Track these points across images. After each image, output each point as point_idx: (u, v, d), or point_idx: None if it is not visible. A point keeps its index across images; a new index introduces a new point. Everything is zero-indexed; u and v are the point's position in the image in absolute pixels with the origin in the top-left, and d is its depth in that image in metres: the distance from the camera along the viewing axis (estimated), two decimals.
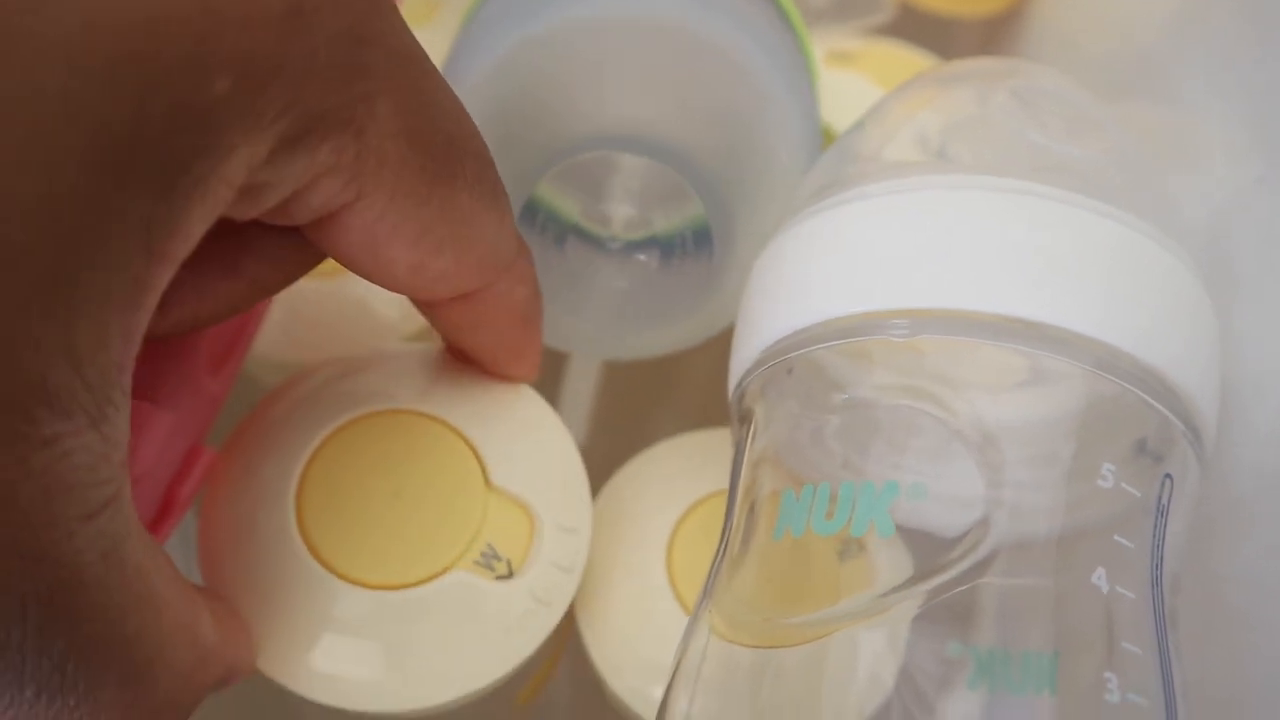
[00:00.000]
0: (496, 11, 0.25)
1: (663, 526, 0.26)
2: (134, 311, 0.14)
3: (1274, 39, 0.24)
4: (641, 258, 0.23)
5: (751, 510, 0.19)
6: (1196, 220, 0.24)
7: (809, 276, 0.19)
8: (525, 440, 0.24)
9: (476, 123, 0.21)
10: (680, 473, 0.27)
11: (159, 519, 0.22)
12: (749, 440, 0.20)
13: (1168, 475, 0.18)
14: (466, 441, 0.23)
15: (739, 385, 0.21)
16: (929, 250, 0.18)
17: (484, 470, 0.23)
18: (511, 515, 0.23)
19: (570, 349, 0.29)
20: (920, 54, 0.36)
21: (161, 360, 0.21)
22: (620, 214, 0.23)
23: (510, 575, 0.22)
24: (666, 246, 0.23)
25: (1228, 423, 0.20)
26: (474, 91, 0.23)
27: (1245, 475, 0.21)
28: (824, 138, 0.32)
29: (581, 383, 0.32)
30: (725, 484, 0.25)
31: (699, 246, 0.23)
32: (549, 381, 0.29)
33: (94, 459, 0.14)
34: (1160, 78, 0.31)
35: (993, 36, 0.40)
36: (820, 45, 0.35)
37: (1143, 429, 0.18)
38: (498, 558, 0.22)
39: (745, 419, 0.21)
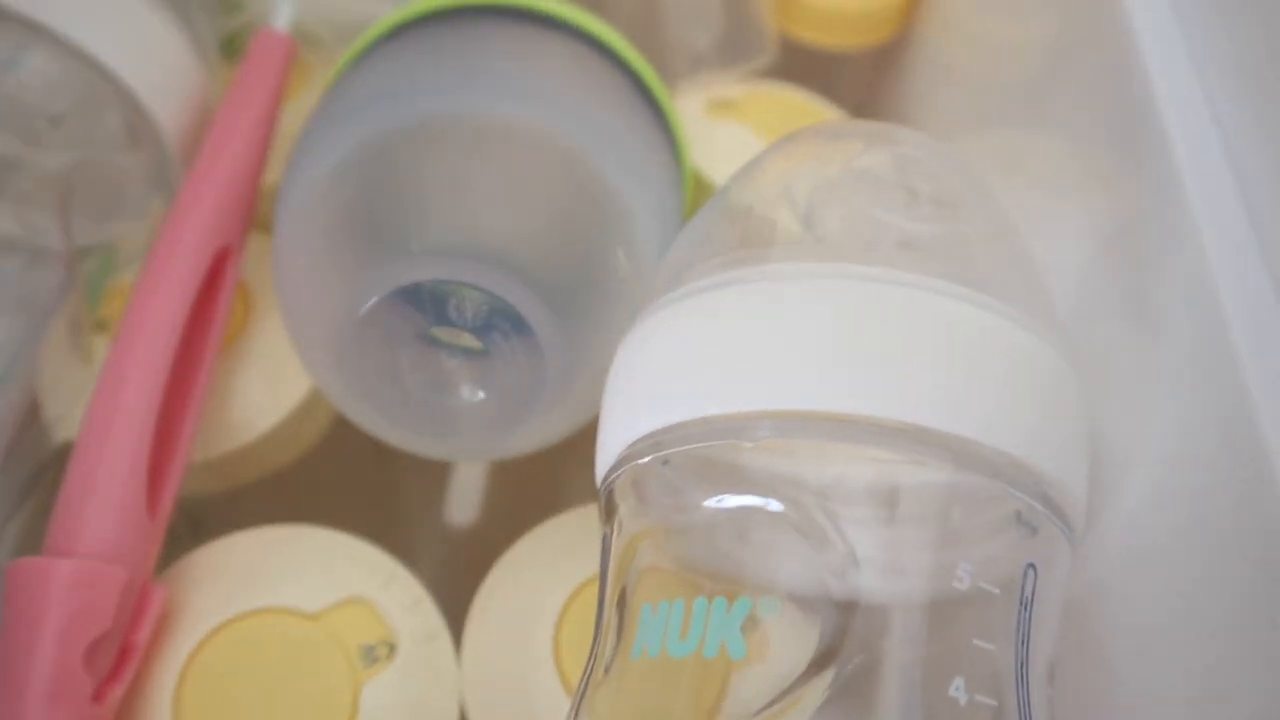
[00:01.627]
0: (344, 105, 0.24)
1: (551, 607, 0.25)
2: None
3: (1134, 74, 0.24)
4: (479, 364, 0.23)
5: (618, 618, 0.19)
6: (1067, 283, 0.24)
7: (661, 375, 0.19)
8: None
9: (316, 227, 0.20)
10: (569, 551, 0.26)
11: (115, 669, 0.22)
12: (614, 538, 0.20)
13: (1030, 565, 0.17)
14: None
15: (602, 483, 0.20)
16: (776, 347, 0.18)
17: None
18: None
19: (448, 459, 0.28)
20: (804, 95, 0.36)
21: (112, 516, 0.22)
22: (461, 325, 0.22)
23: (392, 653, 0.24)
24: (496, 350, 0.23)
25: (1096, 505, 0.20)
26: (314, 194, 0.23)
27: (1114, 554, 0.21)
28: (703, 191, 0.32)
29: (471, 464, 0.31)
30: None
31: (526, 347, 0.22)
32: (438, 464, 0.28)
33: None
34: (1038, 106, 0.31)
35: (877, 68, 0.40)
36: (701, 94, 0.34)
37: (1003, 516, 0.18)
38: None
39: (609, 517, 0.20)
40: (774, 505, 0.17)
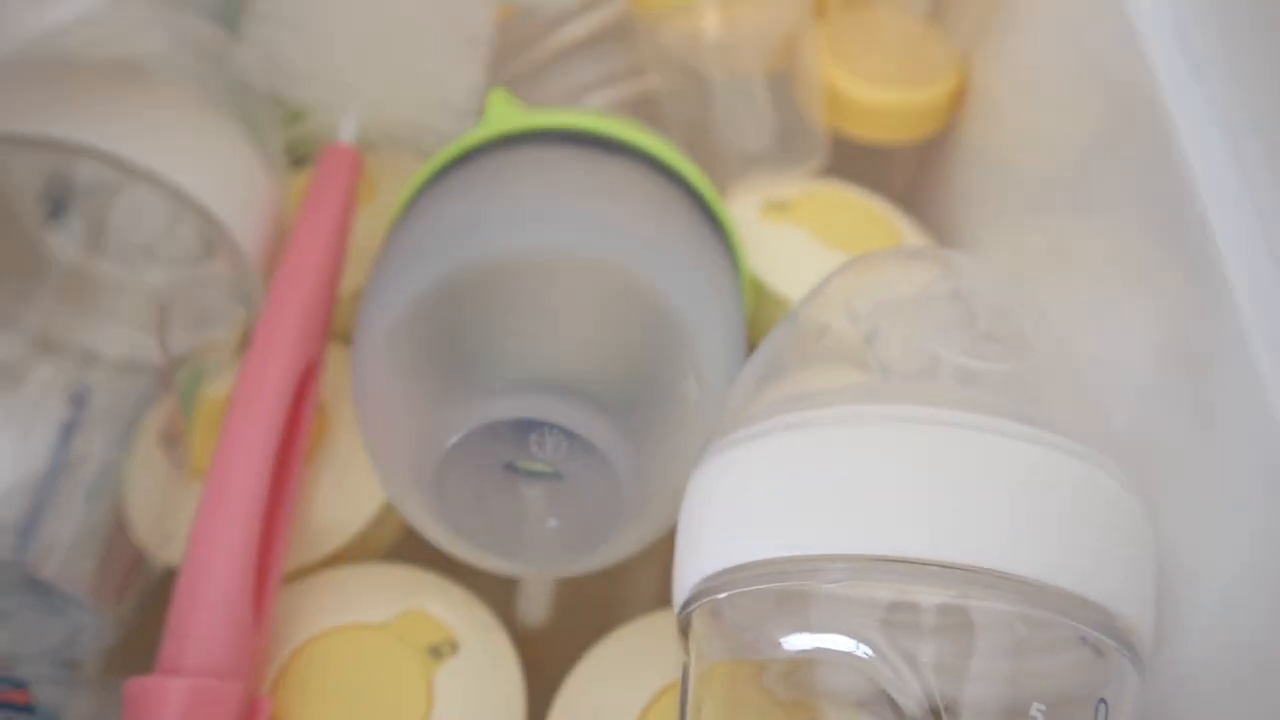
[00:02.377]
0: (417, 241, 0.25)
1: (630, 714, 0.26)
2: None
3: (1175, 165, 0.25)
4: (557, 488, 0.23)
5: None
6: (1124, 383, 0.25)
7: (737, 513, 0.20)
8: None
9: (396, 364, 0.21)
10: (644, 658, 0.27)
11: None
12: (692, 665, 0.20)
13: (1102, 701, 0.18)
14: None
15: (680, 612, 0.21)
16: (848, 490, 0.18)
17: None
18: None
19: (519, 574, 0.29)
20: (856, 193, 0.36)
21: (223, 633, 0.24)
22: (540, 458, 0.23)
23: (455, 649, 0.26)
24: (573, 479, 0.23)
25: (1168, 617, 0.20)
26: (393, 332, 0.24)
27: (1188, 667, 0.21)
28: (762, 296, 0.32)
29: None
30: None
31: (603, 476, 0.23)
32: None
33: None
34: (1084, 197, 0.32)
35: (923, 160, 0.41)
36: (755, 195, 0.35)
37: (1069, 639, 0.18)
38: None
39: (689, 643, 0.21)
40: (852, 647, 0.18)
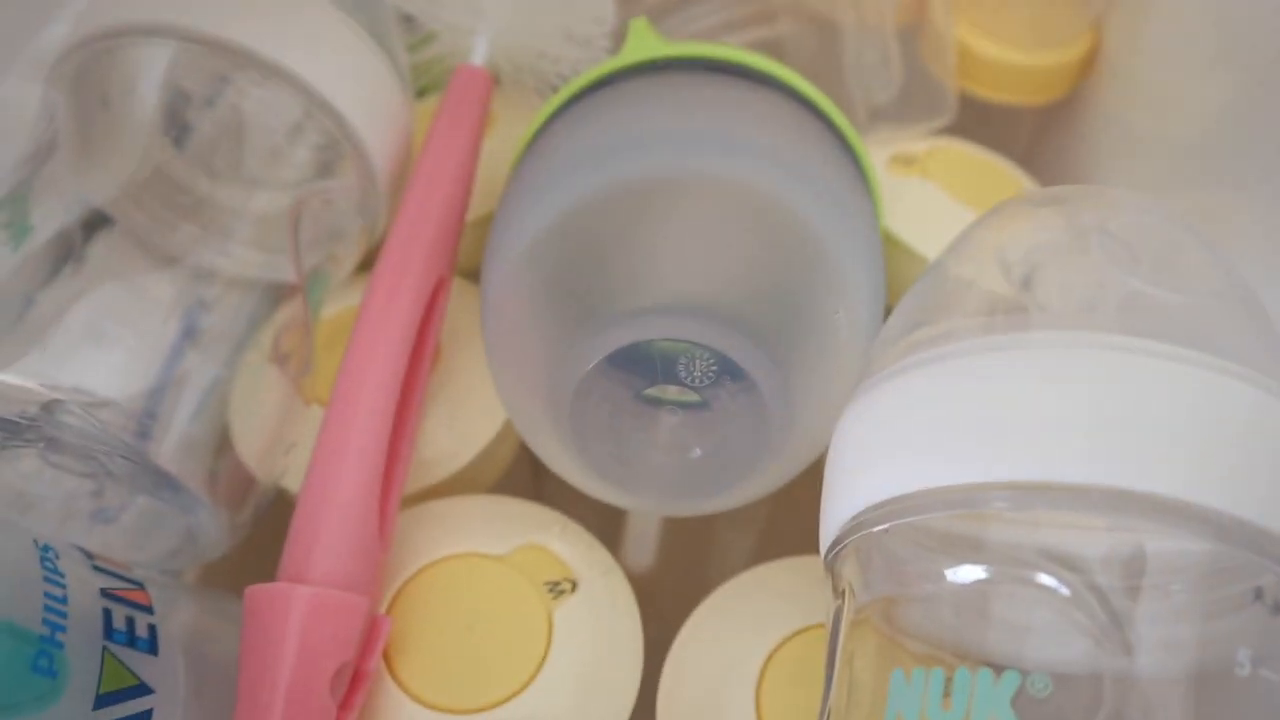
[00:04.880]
0: (547, 169, 0.25)
1: (751, 666, 0.25)
2: None
3: None
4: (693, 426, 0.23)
5: (852, 686, 0.19)
6: None
7: (904, 439, 0.19)
8: None
9: (526, 295, 0.20)
10: (764, 607, 0.26)
11: (349, 695, 0.23)
12: (845, 608, 0.20)
13: None
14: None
15: (831, 550, 0.20)
16: (1031, 417, 0.17)
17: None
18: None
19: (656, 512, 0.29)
20: (984, 152, 0.35)
21: (349, 545, 0.23)
22: (687, 383, 0.22)
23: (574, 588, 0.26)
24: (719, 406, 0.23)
25: None
26: (523, 263, 0.23)
27: None
28: (888, 246, 0.32)
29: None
30: (814, 618, 0.25)
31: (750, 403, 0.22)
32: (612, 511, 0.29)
33: None
34: (1222, 165, 0.31)
35: (1050, 124, 0.40)
36: (883, 149, 0.34)
37: (1241, 593, 0.17)
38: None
39: (840, 585, 0.20)
40: (1043, 579, 0.17)
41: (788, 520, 0.29)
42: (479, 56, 0.31)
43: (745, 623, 0.26)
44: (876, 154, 0.34)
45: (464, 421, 0.30)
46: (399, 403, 0.25)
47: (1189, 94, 0.33)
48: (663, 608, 0.28)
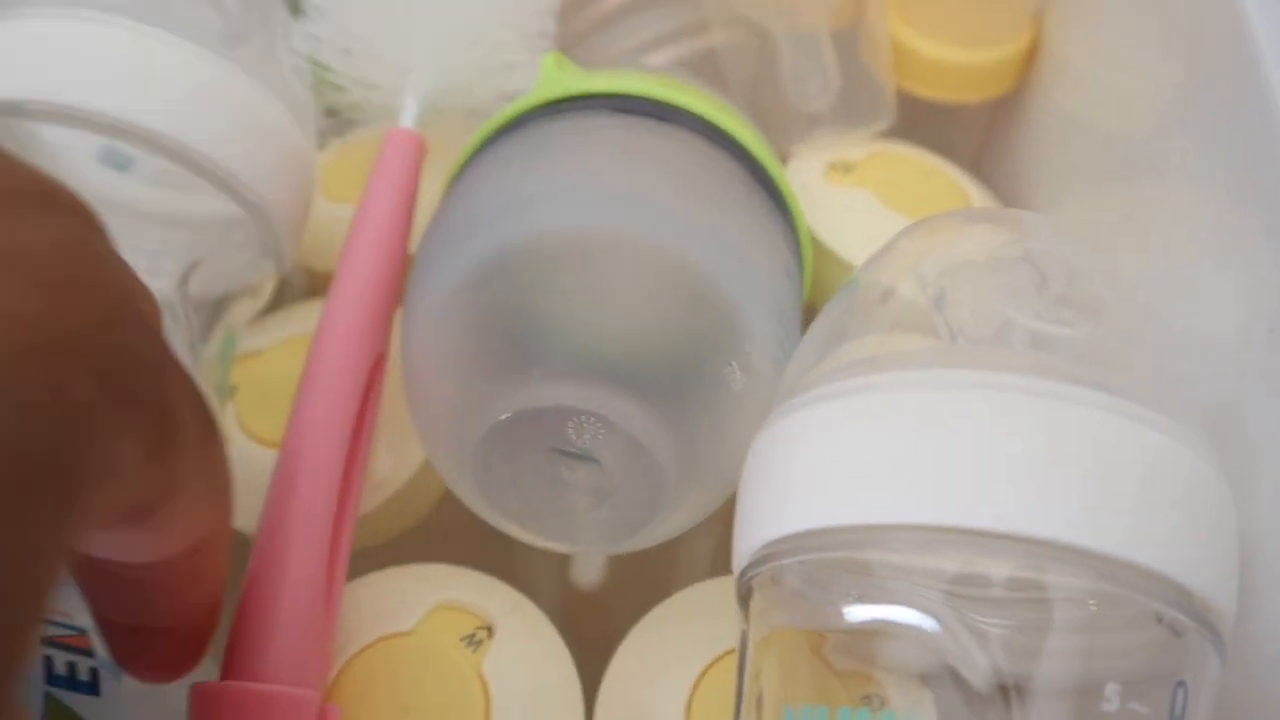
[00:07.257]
0: (461, 220, 0.25)
1: (683, 682, 0.25)
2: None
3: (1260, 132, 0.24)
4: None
5: (757, 711, 0.19)
6: (1209, 353, 0.24)
7: (801, 479, 0.19)
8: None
9: (442, 346, 0.20)
10: (700, 624, 0.27)
11: None
12: (750, 636, 0.20)
13: (1180, 683, 0.17)
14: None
15: (739, 579, 0.20)
16: (933, 457, 0.18)
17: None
18: None
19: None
20: (923, 155, 0.35)
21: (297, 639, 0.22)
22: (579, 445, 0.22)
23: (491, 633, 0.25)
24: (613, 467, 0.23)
25: (1246, 609, 0.19)
26: (439, 314, 0.23)
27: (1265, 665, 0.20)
28: (825, 259, 0.32)
29: None
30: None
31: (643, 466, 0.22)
32: None
33: None
34: (1165, 158, 0.31)
35: (993, 121, 0.40)
36: (820, 156, 0.34)
37: (1144, 616, 0.17)
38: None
39: (746, 611, 0.20)
40: (918, 620, 0.17)
41: None
42: (408, 119, 0.30)
43: (683, 638, 0.26)
44: (814, 161, 0.34)
45: (397, 447, 0.30)
46: (341, 481, 0.25)
47: (1130, 87, 0.33)
48: (624, 617, 0.28)
